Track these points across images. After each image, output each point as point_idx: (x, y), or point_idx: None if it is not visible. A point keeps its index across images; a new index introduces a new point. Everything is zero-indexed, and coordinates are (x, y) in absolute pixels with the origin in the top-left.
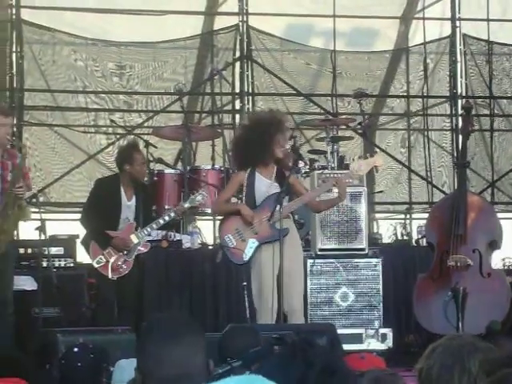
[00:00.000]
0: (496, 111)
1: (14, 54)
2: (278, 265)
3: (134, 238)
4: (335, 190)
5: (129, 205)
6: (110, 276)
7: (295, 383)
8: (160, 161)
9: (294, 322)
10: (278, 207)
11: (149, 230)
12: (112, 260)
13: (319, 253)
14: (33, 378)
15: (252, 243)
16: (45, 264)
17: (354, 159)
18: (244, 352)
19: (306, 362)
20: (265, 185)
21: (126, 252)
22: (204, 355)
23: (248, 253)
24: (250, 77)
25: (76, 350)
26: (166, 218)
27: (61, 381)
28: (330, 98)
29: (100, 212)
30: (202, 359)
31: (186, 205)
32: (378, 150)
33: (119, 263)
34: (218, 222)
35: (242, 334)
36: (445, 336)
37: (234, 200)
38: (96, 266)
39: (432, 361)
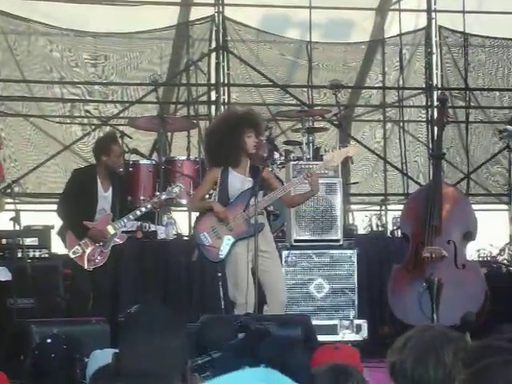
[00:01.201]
0: (472, 103)
1: None
2: (252, 259)
3: (110, 229)
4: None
5: (105, 196)
6: (86, 266)
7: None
8: (135, 151)
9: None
10: (252, 202)
11: (125, 221)
12: (88, 251)
13: (294, 244)
14: (7, 368)
15: (228, 240)
16: (19, 254)
17: (326, 150)
18: (222, 343)
19: (254, 355)
20: (239, 180)
21: (102, 243)
22: (179, 353)
23: (224, 250)
24: (225, 68)
25: (49, 340)
26: (143, 209)
27: (34, 372)
28: (305, 89)
29: (76, 202)
30: (177, 358)
31: (164, 196)
32: (352, 141)
33: (95, 254)
34: (193, 214)
35: (219, 324)
36: (415, 327)
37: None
38: (72, 256)
39: (405, 354)
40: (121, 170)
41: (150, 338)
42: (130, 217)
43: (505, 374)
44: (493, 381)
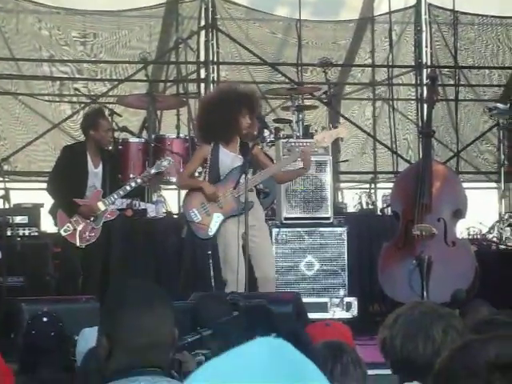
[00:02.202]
0: (461, 81)
1: None
2: (242, 236)
3: (100, 206)
4: (300, 162)
5: (95, 172)
6: (78, 244)
7: None
8: (124, 129)
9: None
10: (242, 180)
11: (115, 196)
12: (79, 228)
13: (284, 221)
14: None
15: (217, 217)
16: (9, 233)
17: (316, 130)
18: (217, 320)
19: (270, 328)
20: (229, 158)
21: (93, 219)
22: (172, 324)
23: (213, 227)
24: (215, 46)
25: (45, 319)
26: (133, 184)
27: (31, 350)
28: (295, 67)
29: (67, 180)
30: (171, 328)
31: (153, 171)
32: (342, 120)
33: (87, 231)
34: (182, 192)
35: (214, 302)
36: (406, 304)
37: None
38: (64, 234)
39: (395, 331)
40: (110, 147)
41: (151, 307)
42: (120, 192)
43: (484, 352)
44: (475, 358)
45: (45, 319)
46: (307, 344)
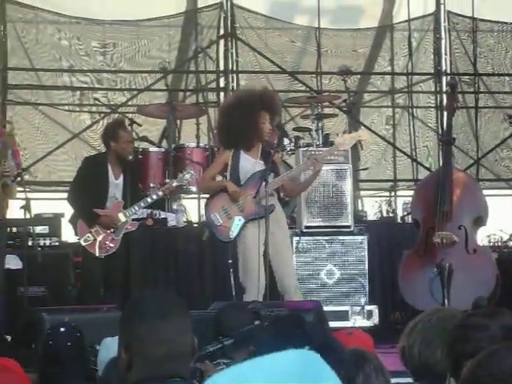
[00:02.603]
0: (481, 89)
1: None
2: (263, 241)
3: (121, 217)
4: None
5: (116, 183)
6: (97, 254)
7: None
8: (145, 139)
9: (291, 299)
10: (263, 184)
11: (136, 208)
12: (99, 238)
13: (305, 230)
14: (19, 357)
15: (238, 220)
16: (30, 243)
17: (338, 134)
18: (239, 330)
19: (303, 338)
20: (250, 163)
21: (113, 230)
22: (191, 333)
23: (234, 230)
24: (234, 55)
25: (62, 329)
26: (154, 196)
27: (49, 361)
28: (314, 75)
29: (87, 190)
30: (190, 338)
31: (175, 183)
32: (363, 127)
33: (107, 241)
34: (202, 201)
35: (236, 311)
36: (424, 312)
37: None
38: (83, 244)
39: (412, 339)
40: (130, 157)
41: (168, 318)
42: (141, 204)
43: (509, 359)
44: (500, 366)
45: (62, 329)
46: (342, 353)
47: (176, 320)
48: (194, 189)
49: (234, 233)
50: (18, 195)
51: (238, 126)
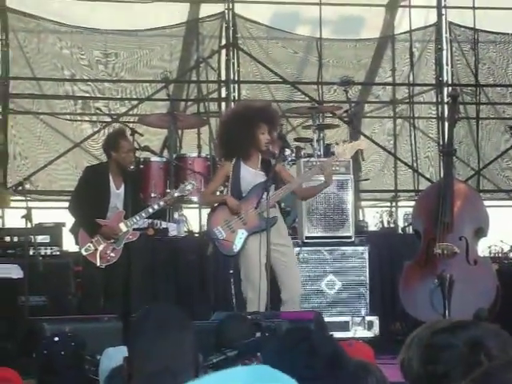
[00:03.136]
0: (482, 99)
1: None
2: (265, 253)
3: (122, 227)
4: (321, 177)
5: (117, 193)
6: (98, 264)
7: (300, 371)
8: (146, 149)
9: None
10: (264, 196)
11: (138, 218)
12: (100, 248)
13: (306, 241)
14: (19, 366)
15: (241, 234)
16: (31, 252)
17: (337, 143)
18: (239, 341)
19: (310, 350)
20: (250, 174)
21: (114, 240)
22: (193, 349)
23: (238, 244)
24: (235, 65)
25: (56, 339)
26: (156, 206)
27: (44, 370)
28: (316, 85)
29: (89, 200)
30: (190, 352)
31: (176, 194)
32: (363, 137)
33: (108, 251)
34: (203, 211)
35: (237, 323)
36: (424, 323)
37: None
38: (84, 253)
39: (411, 352)
40: (132, 167)
41: (165, 334)
42: (143, 214)
43: (506, 377)
44: None
45: (56, 339)
46: (348, 365)
47: (174, 336)
48: (194, 199)
49: (237, 246)
50: (19, 204)
51: (235, 136)
